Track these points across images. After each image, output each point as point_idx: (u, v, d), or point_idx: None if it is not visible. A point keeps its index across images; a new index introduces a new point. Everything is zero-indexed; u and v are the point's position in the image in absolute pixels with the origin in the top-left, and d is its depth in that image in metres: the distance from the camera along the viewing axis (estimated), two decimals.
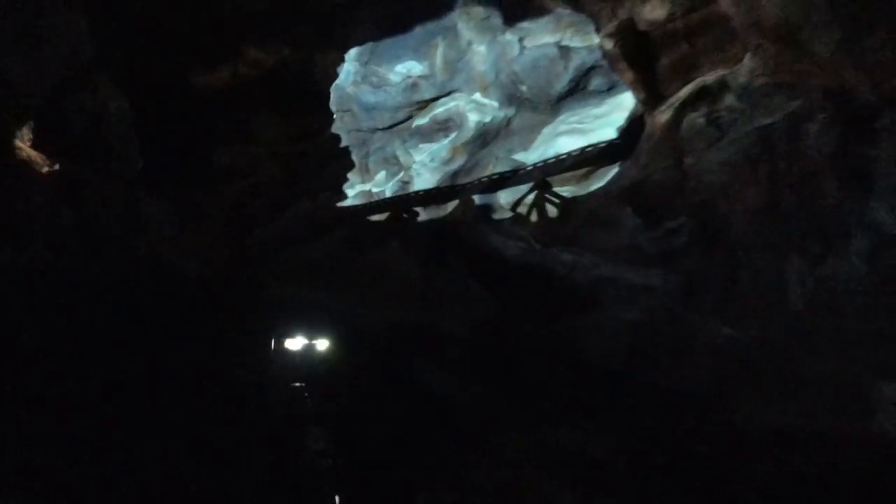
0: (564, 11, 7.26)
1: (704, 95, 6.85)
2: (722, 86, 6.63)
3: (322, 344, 6.92)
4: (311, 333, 6.97)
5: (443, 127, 9.71)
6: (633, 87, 7.28)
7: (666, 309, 6.87)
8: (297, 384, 6.33)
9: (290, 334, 7.01)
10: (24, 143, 5.26)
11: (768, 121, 5.95)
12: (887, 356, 4.00)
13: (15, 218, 4.95)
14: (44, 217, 5.13)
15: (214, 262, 8.11)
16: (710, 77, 6.71)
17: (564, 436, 5.25)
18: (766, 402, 5.06)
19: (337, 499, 4.57)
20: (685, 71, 6.83)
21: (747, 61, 6.00)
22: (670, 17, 6.54)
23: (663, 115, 7.17)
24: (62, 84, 5.27)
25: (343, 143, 10.09)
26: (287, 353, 6.99)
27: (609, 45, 7.16)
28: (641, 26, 6.82)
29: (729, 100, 6.58)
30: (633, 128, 7.71)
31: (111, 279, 5.22)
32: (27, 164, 5.33)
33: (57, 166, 5.49)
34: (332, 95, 9.23)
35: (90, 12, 5.60)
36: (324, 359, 6.86)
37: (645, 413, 5.61)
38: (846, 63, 4.19)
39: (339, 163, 10.51)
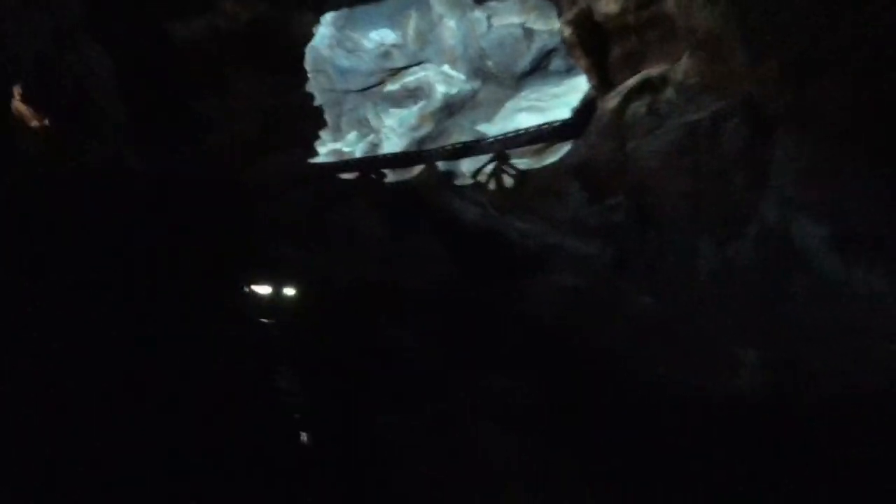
0: None
1: (648, 87, 7.42)
2: (663, 80, 7.21)
3: (289, 292, 7.54)
4: (280, 282, 7.59)
5: (412, 94, 10.09)
6: (588, 72, 7.81)
7: (601, 276, 7.64)
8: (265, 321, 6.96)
9: (260, 282, 7.61)
10: (15, 99, 5.60)
11: (696, 117, 6.60)
12: (755, 326, 4.87)
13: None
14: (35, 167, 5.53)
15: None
16: (654, 71, 7.26)
17: (502, 384, 6.04)
18: (667, 360, 5.95)
19: (303, 434, 5.30)
20: (633, 62, 7.36)
21: (684, 61, 6.58)
22: (623, 12, 7.01)
23: (612, 101, 7.75)
24: (51, 44, 5.58)
25: (317, 102, 10.37)
26: (256, 296, 7.60)
27: (568, 31, 7.62)
28: (597, 17, 7.27)
29: (668, 93, 7.19)
30: (586, 110, 8.28)
31: (94, 227, 5.65)
32: (18, 118, 5.68)
33: (46, 121, 5.85)
34: (307, 56, 9.48)
35: None
36: (290, 305, 7.51)
37: (574, 367, 6.46)
38: (752, 78, 4.84)
39: (313, 120, 10.79)
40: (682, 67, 6.98)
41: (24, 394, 3.83)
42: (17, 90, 5.32)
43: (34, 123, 5.50)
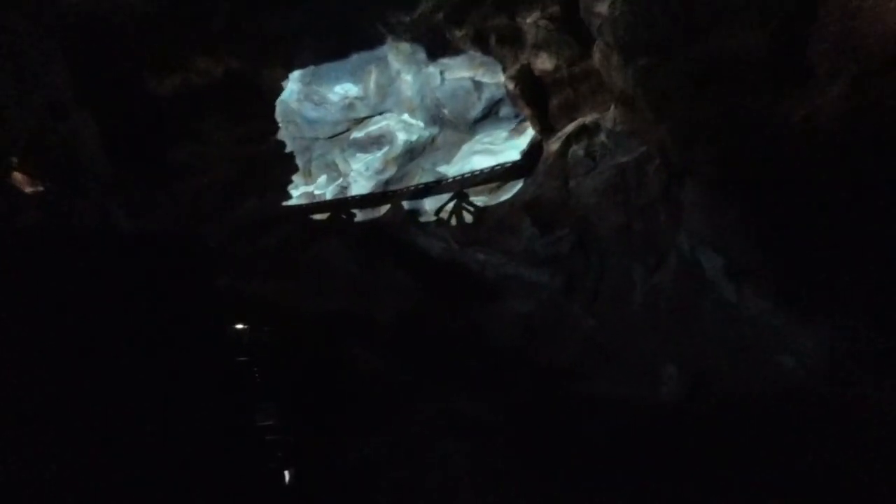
0: (477, 54, 8.49)
1: (584, 132, 8.26)
2: (596, 126, 8.07)
3: (265, 329, 8.03)
4: (256, 319, 8.07)
5: (376, 141, 10.79)
6: (531, 120, 8.63)
7: (551, 302, 8.33)
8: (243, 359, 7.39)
9: (237, 321, 8.07)
10: (13, 169, 6.09)
11: (624, 159, 7.44)
12: (674, 343, 5.61)
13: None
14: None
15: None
16: (588, 118, 8.11)
17: (464, 404, 6.65)
18: (606, 375, 6.64)
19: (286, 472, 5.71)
20: (570, 111, 8.19)
21: (612, 110, 7.43)
22: (557, 68, 7.84)
23: (554, 144, 8.57)
24: (43, 116, 6.12)
25: (288, 149, 11.00)
26: (234, 334, 8.04)
27: (511, 85, 8.44)
28: (536, 72, 8.09)
29: (601, 138, 8.04)
30: (533, 152, 9.09)
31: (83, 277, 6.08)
32: (15, 187, 6.17)
33: (40, 187, 6.34)
34: (278, 108, 10.14)
35: (67, 54, 6.43)
36: (267, 341, 7.98)
37: (529, 385, 7.10)
38: (661, 132, 5.64)
39: (285, 166, 11.38)
40: (611, 116, 7.83)
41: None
42: (13, 160, 5.84)
43: (29, 190, 6.00)
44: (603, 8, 6.11)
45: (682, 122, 4.44)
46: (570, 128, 8.25)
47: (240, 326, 7.83)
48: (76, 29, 6.55)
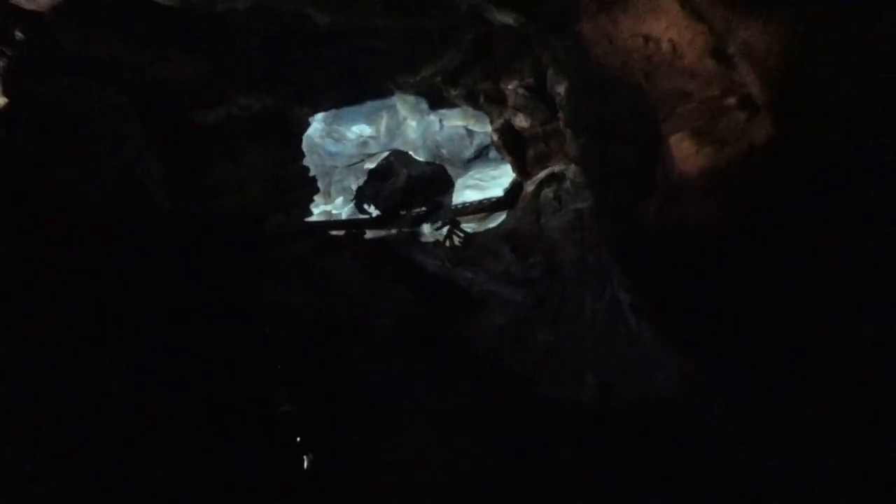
0: (469, 108, 9.98)
1: (553, 179, 9.69)
2: (563, 175, 9.47)
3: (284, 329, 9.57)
4: (276, 320, 9.62)
5: None
6: (511, 165, 10.09)
7: (522, 317, 9.77)
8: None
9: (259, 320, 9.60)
10: None
11: (582, 206, 8.87)
12: (596, 358, 7.07)
13: None
14: None
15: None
16: (556, 168, 9.51)
17: (441, 397, 8.13)
18: (557, 382, 8.07)
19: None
20: (543, 161, 9.59)
21: (572, 166, 8.90)
22: (532, 126, 9.23)
23: (530, 187, 10.00)
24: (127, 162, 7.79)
25: (311, 174, 12.63)
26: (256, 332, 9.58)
27: (495, 136, 9.88)
28: (516, 128, 9.54)
29: (566, 185, 9.44)
30: (514, 190, 10.54)
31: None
32: None
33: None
34: (304, 142, 11.75)
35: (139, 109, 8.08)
36: (285, 339, 9.50)
37: (496, 385, 8.55)
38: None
39: (308, 187, 12.95)
40: (572, 169, 9.28)
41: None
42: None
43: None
44: (561, 90, 7.56)
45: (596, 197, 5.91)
46: (542, 174, 9.66)
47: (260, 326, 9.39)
48: (147, 89, 8.19)
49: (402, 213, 11.86)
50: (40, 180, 6.59)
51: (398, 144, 12.30)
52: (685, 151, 3.85)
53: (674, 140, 4.03)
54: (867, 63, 2.40)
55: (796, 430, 4.45)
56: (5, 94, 6.66)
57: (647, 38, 4.04)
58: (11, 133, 6.57)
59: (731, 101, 3.68)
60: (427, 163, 11.68)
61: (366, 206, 12.40)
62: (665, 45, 3.95)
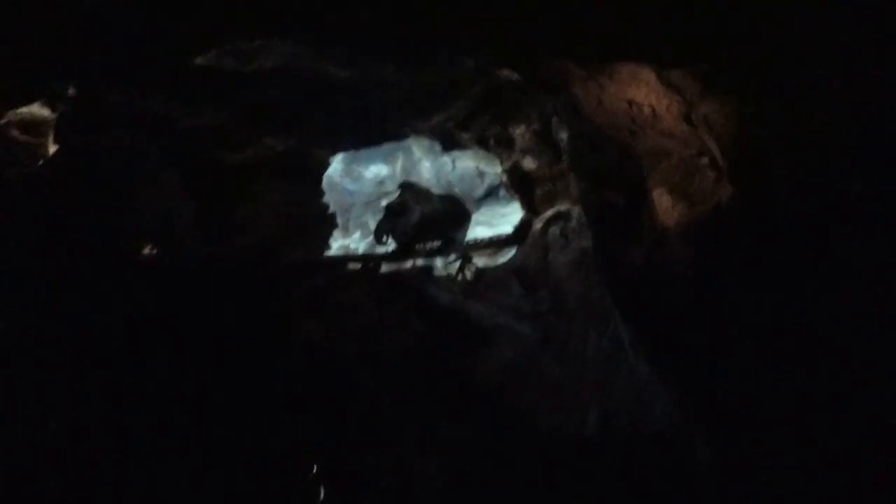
0: (480, 150, 10.53)
1: (560, 217, 10.06)
2: (569, 214, 9.87)
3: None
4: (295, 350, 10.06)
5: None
6: (520, 204, 10.57)
7: (530, 351, 10.05)
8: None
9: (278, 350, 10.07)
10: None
11: (586, 243, 9.23)
12: (598, 392, 7.33)
13: None
14: None
15: None
16: (563, 207, 9.91)
17: (447, 430, 8.40)
18: (556, 414, 8.29)
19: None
20: (550, 200, 10.01)
21: (578, 206, 9.29)
22: (539, 168, 9.71)
23: (538, 224, 10.38)
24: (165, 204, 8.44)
25: (330, 210, 13.23)
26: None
27: (505, 177, 10.37)
28: (524, 169, 10.04)
29: (572, 224, 9.83)
30: (522, 227, 10.93)
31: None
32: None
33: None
34: (324, 181, 12.36)
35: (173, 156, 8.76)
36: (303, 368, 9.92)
37: (501, 420, 8.76)
38: None
39: (327, 223, 13.57)
40: (577, 209, 9.67)
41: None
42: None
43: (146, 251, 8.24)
44: (563, 136, 8.04)
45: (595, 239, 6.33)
46: (549, 213, 10.05)
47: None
48: (181, 137, 8.85)
49: (417, 247, 12.32)
50: (79, 223, 7.23)
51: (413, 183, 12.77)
52: (665, 205, 4.23)
53: (656, 194, 4.42)
54: (806, 138, 2.77)
55: (784, 462, 4.66)
56: (56, 141, 7.37)
57: (630, 102, 4.47)
58: (58, 177, 7.25)
59: (705, 160, 4.07)
60: (441, 197, 12.16)
61: (384, 239, 12.86)
62: (646, 109, 4.37)
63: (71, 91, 6.93)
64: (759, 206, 3.27)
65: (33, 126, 6.94)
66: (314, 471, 7.06)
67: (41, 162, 6.99)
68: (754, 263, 3.63)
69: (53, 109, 7.03)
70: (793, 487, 4.52)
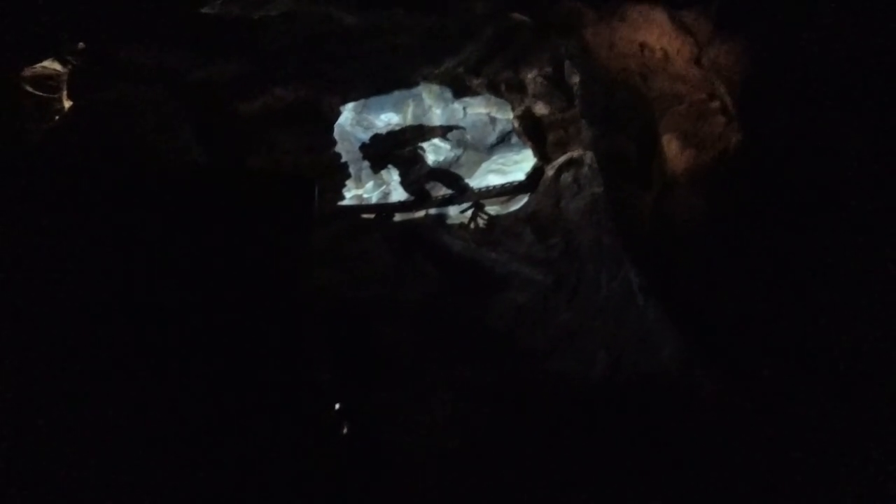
0: (491, 96, 10.34)
1: (572, 164, 10.00)
2: (581, 160, 9.78)
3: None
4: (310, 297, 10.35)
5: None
6: (532, 151, 10.44)
7: (542, 295, 10.22)
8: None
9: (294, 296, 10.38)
10: None
11: (598, 190, 9.20)
12: (607, 335, 7.50)
13: None
14: None
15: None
16: (575, 153, 9.81)
17: (460, 370, 8.71)
18: (572, 358, 8.53)
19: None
20: (562, 146, 9.92)
21: (589, 152, 9.20)
22: (551, 113, 9.54)
23: (550, 171, 10.33)
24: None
25: (343, 160, 13.23)
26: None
27: (516, 123, 10.22)
28: (536, 115, 9.87)
29: (584, 170, 9.74)
30: (535, 174, 10.88)
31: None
32: None
33: None
34: (336, 130, 12.31)
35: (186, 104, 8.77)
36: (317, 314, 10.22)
37: (513, 363, 9.03)
38: None
39: (340, 173, 13.60)
40: (589, 154, 9.55)
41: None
42: None
43: None
44: (576, 80, 7.89)
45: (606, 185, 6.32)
46: (561, 159, 9.99)
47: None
48: (192, 88, 8.83)
49: (430, 196, 12.37)
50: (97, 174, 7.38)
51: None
52: (674, 151, 4.21)
53: (665, 139, 4.40)
54: (814, 84, 2.74)
55: (786, 398, 4.82)
56: (69, 97, 7.42)
57: (642, 46, 4.39)
58: (75, 133, 7.34)
59: (716, 104, 4.02)
60: (452, 145, 12.09)
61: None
62: (658, 52, 4.29)
63: (81, 46, 6.92)
64: (765, 152, 3.26)
65: (46, 82, 6.98)
66: (336, 408, 7.30)
67: (57, 118, 7.07)
68: (760, 209, 3.66)
69: (65, 65, 7.05)
70: (794, 422, 4.70)
